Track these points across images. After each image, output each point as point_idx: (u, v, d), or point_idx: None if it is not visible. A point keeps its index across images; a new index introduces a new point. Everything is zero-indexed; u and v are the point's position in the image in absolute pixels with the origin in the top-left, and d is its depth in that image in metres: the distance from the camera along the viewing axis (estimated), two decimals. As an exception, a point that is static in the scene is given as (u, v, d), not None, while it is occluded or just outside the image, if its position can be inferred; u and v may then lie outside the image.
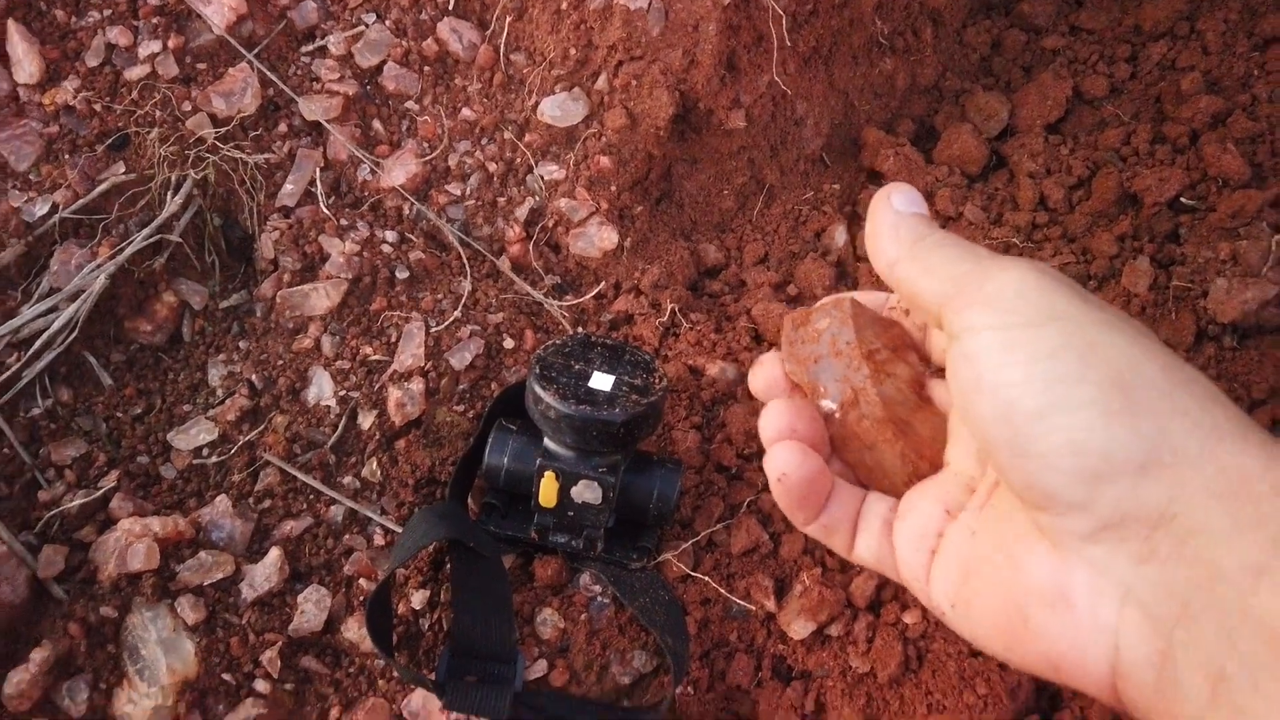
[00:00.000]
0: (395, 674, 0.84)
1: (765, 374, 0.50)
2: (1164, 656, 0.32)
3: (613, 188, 1.05)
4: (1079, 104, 1.14)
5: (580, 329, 1.03)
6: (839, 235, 1.10)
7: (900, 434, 0.46)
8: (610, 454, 0.82)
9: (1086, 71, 1.17)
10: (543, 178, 1.06)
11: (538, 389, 0.80)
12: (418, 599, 0.87)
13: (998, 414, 0.36)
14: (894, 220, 0.44)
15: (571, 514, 0.85)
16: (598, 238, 1.05)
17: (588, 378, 0.81)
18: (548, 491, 0.83)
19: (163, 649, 0.81)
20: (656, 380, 0.83)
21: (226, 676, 0.82)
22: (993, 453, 0.37)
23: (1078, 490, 0.34)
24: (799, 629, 0.85)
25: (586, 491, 0.82)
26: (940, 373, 0.48)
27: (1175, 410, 0.34)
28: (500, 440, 0.86)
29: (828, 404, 0.48)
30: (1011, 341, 0.36)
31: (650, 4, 1.00)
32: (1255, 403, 0.87)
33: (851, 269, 1.08)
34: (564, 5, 1.03)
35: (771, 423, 0.46)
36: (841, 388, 0.47)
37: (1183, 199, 1.00)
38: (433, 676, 0.82)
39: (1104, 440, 0.33)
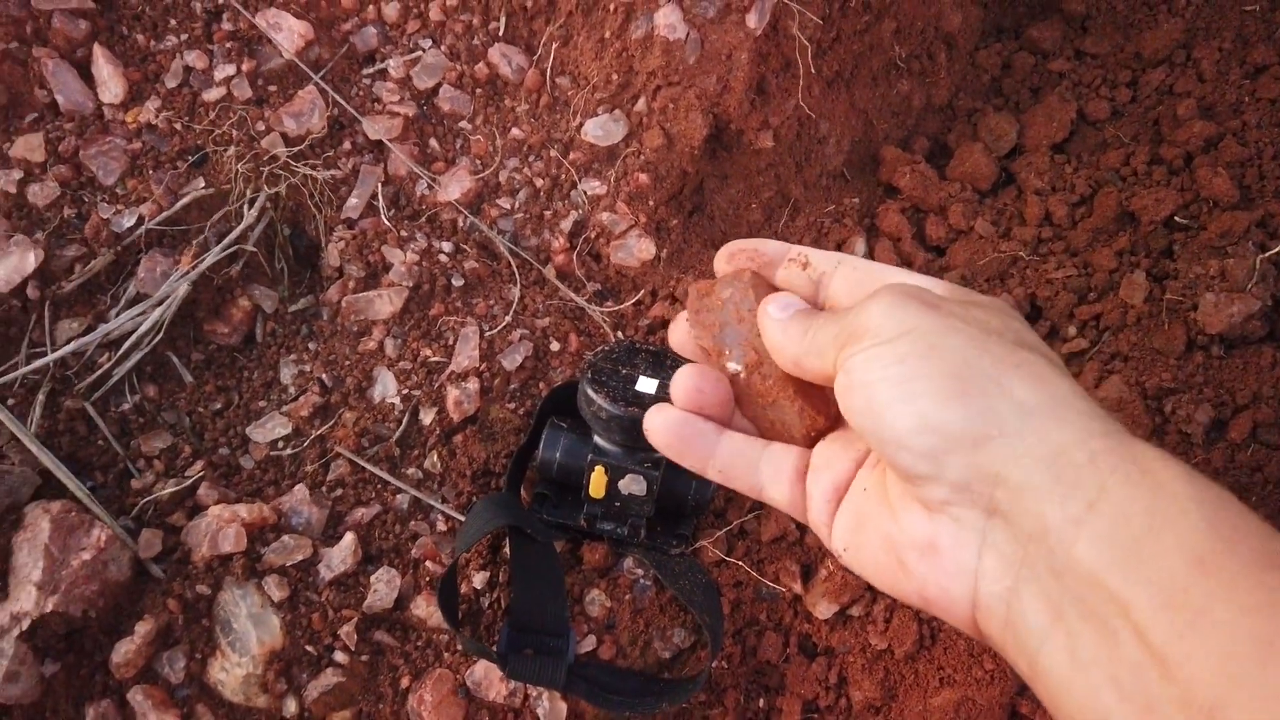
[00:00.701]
0: (459, 647, 0.94)
1: (678, 334, 0.57)
2: (1012, 593, 0.39)
3: (650, 202, 1.14)
4: (1083, 125, 1.22)
5: (623, 335, 1.11)
6: (859, 246, 1.19)
7: (799, 392, 0.52)
8: (654, 450, 0.91)
9: (1090, 95, 1.26)
10: (586, 193, 1.14)
11: (590, 392, 0.88)
12: (479, 580, 0.96)
13: (863, 408, 0.44)
14: (781, 325, 0.50)
15: (618, 504, 0.93)
16: (636, 248, 1.14)
17: (634, 381, 0.90)
18: (597, 484, 0.92)
19: (252, 623, 0.90)
20: None
21: (309, 648, 0.91)
22: (868, 441, 0.45)
23: (926, 464, 0.41)
24: (823, 610, 0.94)
25: (633, 484, 0.91)
26: None
27: (1001, 392, 0.40)
28: (553, 437, 0.94)
29: (733, 365, 0.53)
30: (872, 356, 0.44)
31: (688, 35, 1.09)
32: (1239, 407, 0.95)
33: (870, 279, 1.16)
34: (607, 34, 1.12)
35: (683, 385, 0.53)
36: (744, 350, 0.53)
37: (1177, 218, 1.08)
38: (495, 649, 0.91)
39: (941, 419, 0.41)
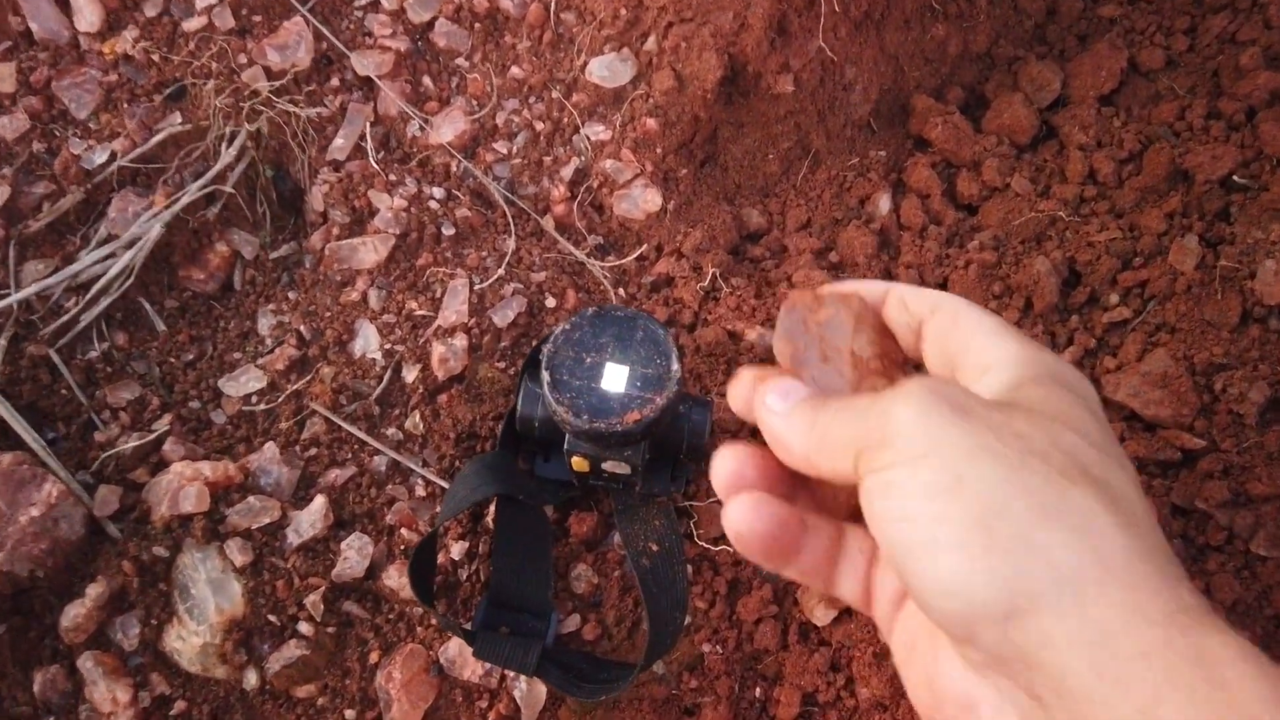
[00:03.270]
0: (434, 622, 0.87)
1: (741, 394, 0.48)
2: None
3: (658, 150, 1.06)
4: (1134, 76, 1.12)
5: (624, 292, 1.04)
6: (883, 203, 1.09)
7: None
8: (631, 444, 0.82)
9: (1143, 42, 1.15)
10: (589, 138, 1.06)
11: (552, 401, 0.78)
12: (457, 550, 0.89)
13: (889, 553, 0.36)
14: (783, 419, 0.42)
15: (605, 478, 0.86)
16: (641, 199, 1.05)
17: (599, 375, 0.79)
18: (580, 467, 0.84)
19: (211, 589, 0.84)
20: (671, 366, 0.79)
21: (272, 618, 0.85)
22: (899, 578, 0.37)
23: (959, 628, 0.34)
24: (820, 615, 0.87)
25: (616, 466, 0.83)
26: None
27: (1034, 553, 0.32)
28: (532, 394, 0.86)
29: None
30: (894, 481, 0.35)
31: (702, -35, 1.00)
32: (1298, 387, 0.86)
33: (895, 237, 1.08)
34: (615, -36, 1.03)
35: (720, 471, 0.45)
36: (820, 385, 0.45)
37: (1235, 177, 0.98)
38: (469, 626, 0.85)
39: (967, 586, 0.33)
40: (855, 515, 0.46)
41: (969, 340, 0.41)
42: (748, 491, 0.44)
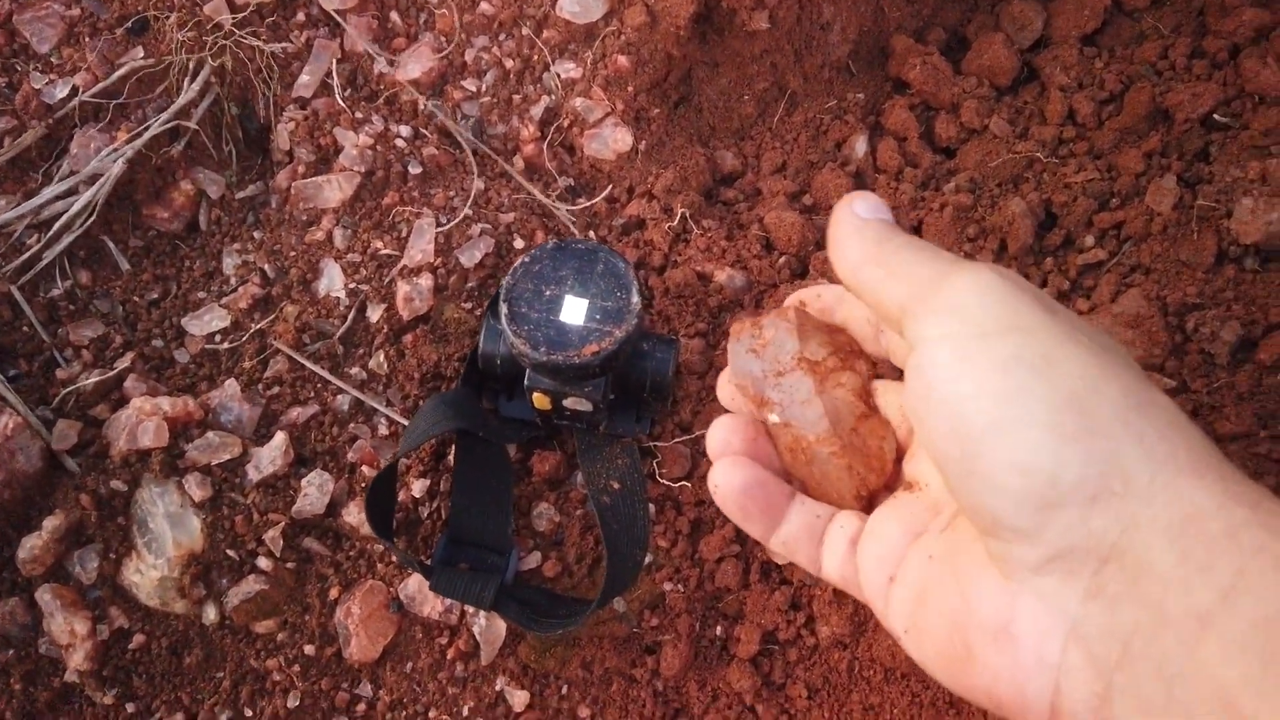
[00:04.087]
0: (394, 559, 0.87)
1: (725, 391, 0.50)
2: (1102, 700, 0.31)
3: (630, 89, 1.04)
4: (1118, 15, 1.09)
5: (594, 235, 1.02)
6: (859, 146, 1.08)
7: (846, 448, 0.45)
8: (592, 378, 0.81)
9: (1130, -19, 1.12)
10: (559, 76, 1.04)
11: (510, 334, 0.77)
12: (418, 488, 0.88)
13: (947, 429, 0.35)
14: (858, 225, 0.42)
15: (568, 415, 0.85)
16: (612, 140, 1.04)
17: (559, 308, 0.78)
18: (541, 402, 0.83)
19: (170, 523, 0.84)
20: (632, 299, 0.78)
21: (230, 552, 0.85)
22: (943, 470, 0.36)
23: (1025, 516, 0.33)
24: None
25: (578, 404, 0.82)
26: (893, 374, 0.48)
27: (1131, 435, 0.32)
28: (494, 330, 0.85)
29: (773, 417, 0.47)
30: (965, 352, 0.34)
31: (673, -104, 0.97)
32: (1271, 326, 0.85)
33: (870, 180, 1.06)
34: (586, -104, 1.00)
35: (714, 439, 0.47)
36: (786, 402, 0.46)
37: (1216, 115, 0.96)
38: (428, 562, 0.84)
39: (1053, 463, 0.32)
40: (825, 497, 0.47)
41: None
42: (733, 455, 0.46)
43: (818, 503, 0.47)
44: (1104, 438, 0.32)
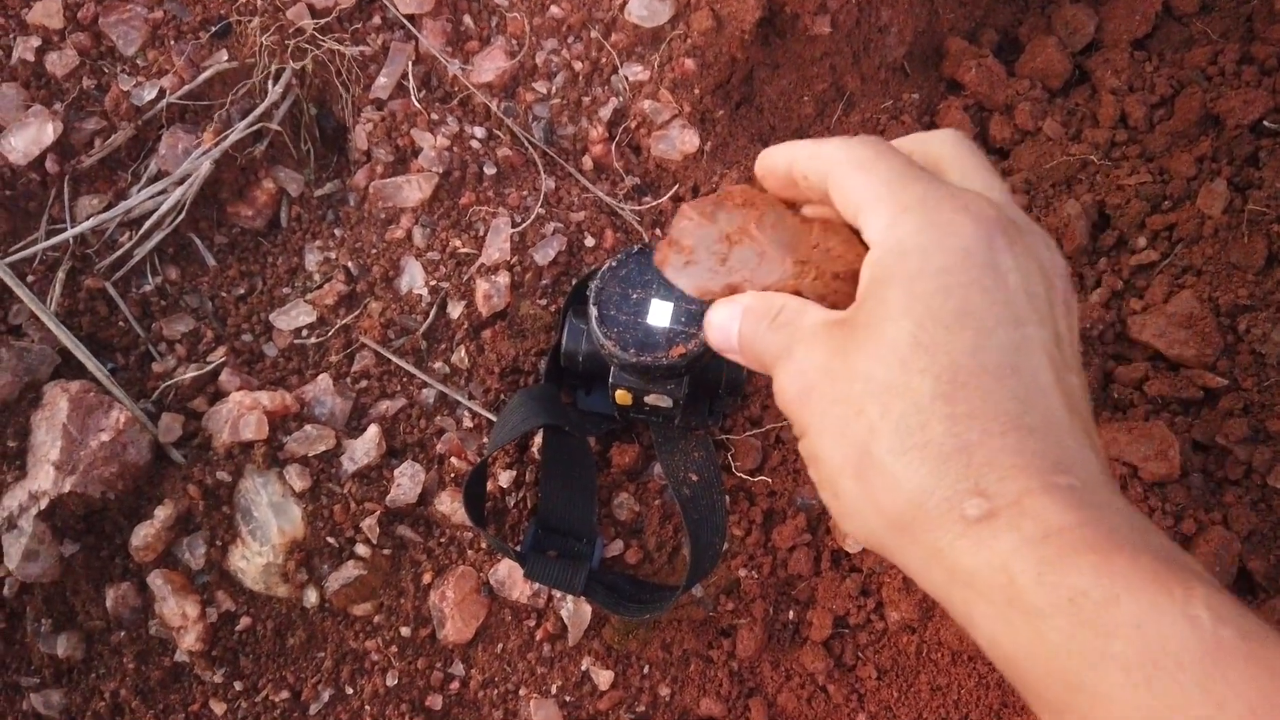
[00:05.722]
0: (484, 545, 0.91)
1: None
2: None
3: (695, 90, 1.07)
4: (1168, 19, 1.13)
5: (660, 233, 1.06)
6: (915, 146, 1.11)
7: (821, 270, 0.45)
8: (674, 379, 0.85)
9: (1178, -14, 1.15)
10: (627, 78, 1.08)
11: (599, 334, 0.80)
12: (505, 478, 0.93)
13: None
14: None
15: (647, 410, 0.89)
16: (679, 140, 1.07)
17: (645, 310, 0.80)
18: (623, 400, 0.87)
19: (273, 512, 0.88)
20: None
21: (330, 540, 0.89)
22: None
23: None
24: (852, 544, 0.90)
25: (659, 400, 0.86)
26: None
27: None
28: (576, 329, 0.89)
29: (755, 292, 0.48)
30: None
31: (743, -94, 1.00)
32: (1320, 329, 0.89)
33: (926, 180, 1.09)
34: (656, -96, 1.03)
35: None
36: (749, 273, 0.47)
37: (1266, 122, 1.00)
38: (518, 549, 0.89)
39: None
40: None
41: (854, 213, 0.43)
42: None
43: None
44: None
